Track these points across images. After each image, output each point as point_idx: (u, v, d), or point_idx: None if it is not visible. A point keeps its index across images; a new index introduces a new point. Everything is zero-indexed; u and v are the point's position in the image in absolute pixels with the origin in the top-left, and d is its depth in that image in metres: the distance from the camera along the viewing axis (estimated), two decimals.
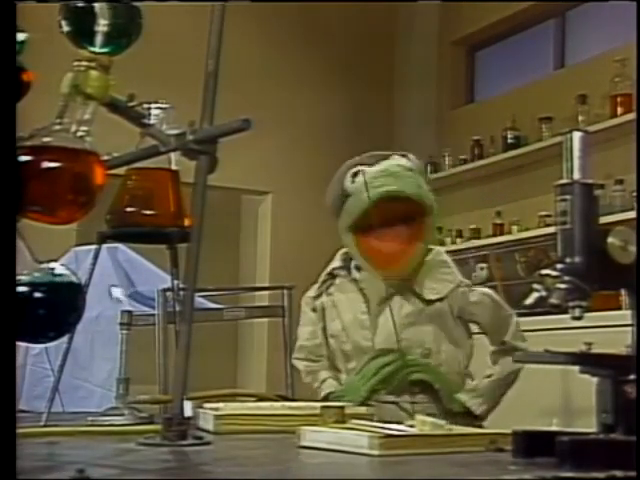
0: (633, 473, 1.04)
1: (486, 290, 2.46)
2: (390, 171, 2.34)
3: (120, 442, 1.48)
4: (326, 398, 2.38)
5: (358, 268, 2.46)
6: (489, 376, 2.37)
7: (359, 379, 2.33)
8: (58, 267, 1.39)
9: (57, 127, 1.39)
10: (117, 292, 2.00)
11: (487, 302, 2.41)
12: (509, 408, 2.41)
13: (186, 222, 1.98)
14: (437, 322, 2.35)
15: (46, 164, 1.33)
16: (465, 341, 2.41)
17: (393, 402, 2.30)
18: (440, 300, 2.36)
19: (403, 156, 2.41)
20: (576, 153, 1.29)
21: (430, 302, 2.36)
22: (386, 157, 2.41)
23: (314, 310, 2.53)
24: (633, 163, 4.10)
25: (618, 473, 1.05)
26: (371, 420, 1.56)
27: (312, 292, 2.55)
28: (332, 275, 2.51)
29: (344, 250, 2.53)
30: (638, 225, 1.27)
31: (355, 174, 2.37)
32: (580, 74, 5.46)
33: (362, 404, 2.24)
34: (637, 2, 3.80)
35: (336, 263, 2.52)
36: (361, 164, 2.39)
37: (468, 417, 2.26)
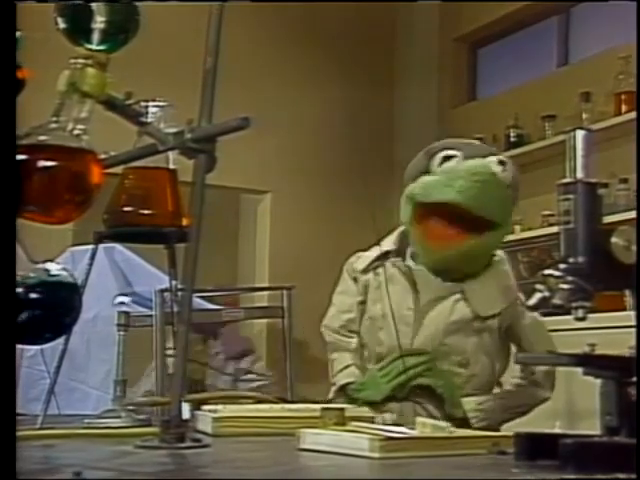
0: (636, 476, 1.03)
1: (540, 319, 2.35)
2: (479, 178, 2.22)
3: (117, 445, 1.47)
4: (343, 388, 2.34)
5: (414, 257, 2.38)
6: (502, 397, 2.32)
7: (382, 375, 2.28)
8: (54, 267, 1.37)
9: (53, 125, 1.38)
10: (122, 298, 1.98)
11: (537, 330, 2.34)
12: None
13: (184, 222, 1.96)
14: (482, 335, 2.30)
15: (42, 163, 1.32)
16: (503, 355, 2.37)
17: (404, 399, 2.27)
18: (492, 316, 2.30)
19: (501, 162, 2.29)
20: (579, 152, 1.28)
21: (482, 317, 2.30)
22: (483, 154, 2.29)
23: (355, 280, 2.43)
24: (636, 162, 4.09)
25: (621, 476, 1.04)
26: (372, 422, 1.54)
27: (359, 263, 2.44)
28: (385, 256, 2.39)
29: (401, 229, 2.43)
30: (638, 225, 1.26)
31: (446, 158, 2.27)
32: (584, 71, 5.42)
33: (381, 401, 2.22)
34: (637, 2, 3.79)
35: (390, 245, 2.41)
36: (456, 149, 2.29)
37: (468, 424, 2.22)
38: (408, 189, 2.34)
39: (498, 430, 2.25)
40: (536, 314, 2.34)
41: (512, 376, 2.37)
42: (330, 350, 2.45)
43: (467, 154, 2.27)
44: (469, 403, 2.26)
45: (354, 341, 2.41)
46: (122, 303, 1.93)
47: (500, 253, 2.43)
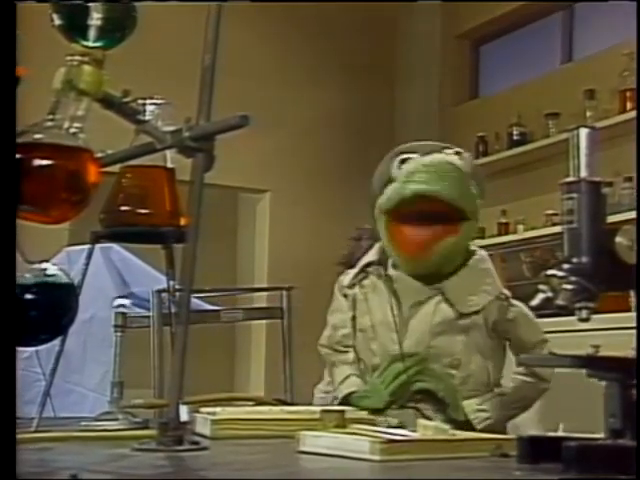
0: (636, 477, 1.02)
1: (525, 310, 2.33)
2: (436, 168, 2.26)
3: (114, 447, 1.45)
4: (346, 398, 2.34)
5: (395, 266, 2.38)
6: (503, 394, 2.32)
7: (381, 382, 2.29)
8: (50, 268, 1.36)
9: (49, 124, 1.37)
10: (122, 301, 1.97)
11: (522, 322, 2.34)
12: None
13: (182, 221, 1.95)
14: (469, 333, 2.30)
15: (38, 162, 1.32)
16: (496, 353, 2.36)
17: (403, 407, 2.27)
18: (476, 313, 2.30)
19: (457, 153, 2.32)
20: (583, 150, 1.27)
21: (465, 314, 2.30)
22: (439, 149, 2.32)
23: (345, 296, 2.45)
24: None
25: (624, 478, 1.03)
26: (372, 425, 1.53)
27: (346, 280, 2.45)
28: (367, 268, 2.41)
29: (381, 243, 2.43)
30: (638, 225, 1.25)
31: (403, 161, 2.31)
32: (588, 68, 5.40)
33: (385, 408, 2.21)
34: (637, 2, 3.79)
35: (372, 257, 2.42)
36: (411, 152, 2.31)
37: (471, 426, 2.21)
38: (377, 204, 2.36)
39: (503, 430, 2.24)
40: (521, 306, 2.35)
41: (512, 371, 2.37)
42: (329, 367, 2.47)
43: (423, 153, 2.30)
44: (469, 405, 2.26)
45: (351, 355, 2.43)
46: (121, 306, 1.91)
47: (481, 252, 2.44)
